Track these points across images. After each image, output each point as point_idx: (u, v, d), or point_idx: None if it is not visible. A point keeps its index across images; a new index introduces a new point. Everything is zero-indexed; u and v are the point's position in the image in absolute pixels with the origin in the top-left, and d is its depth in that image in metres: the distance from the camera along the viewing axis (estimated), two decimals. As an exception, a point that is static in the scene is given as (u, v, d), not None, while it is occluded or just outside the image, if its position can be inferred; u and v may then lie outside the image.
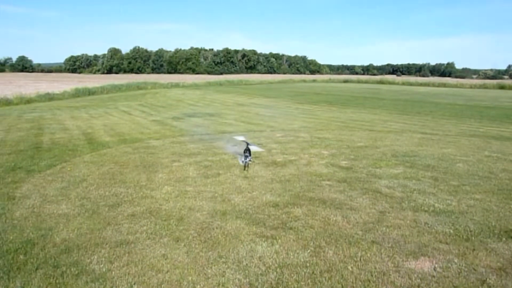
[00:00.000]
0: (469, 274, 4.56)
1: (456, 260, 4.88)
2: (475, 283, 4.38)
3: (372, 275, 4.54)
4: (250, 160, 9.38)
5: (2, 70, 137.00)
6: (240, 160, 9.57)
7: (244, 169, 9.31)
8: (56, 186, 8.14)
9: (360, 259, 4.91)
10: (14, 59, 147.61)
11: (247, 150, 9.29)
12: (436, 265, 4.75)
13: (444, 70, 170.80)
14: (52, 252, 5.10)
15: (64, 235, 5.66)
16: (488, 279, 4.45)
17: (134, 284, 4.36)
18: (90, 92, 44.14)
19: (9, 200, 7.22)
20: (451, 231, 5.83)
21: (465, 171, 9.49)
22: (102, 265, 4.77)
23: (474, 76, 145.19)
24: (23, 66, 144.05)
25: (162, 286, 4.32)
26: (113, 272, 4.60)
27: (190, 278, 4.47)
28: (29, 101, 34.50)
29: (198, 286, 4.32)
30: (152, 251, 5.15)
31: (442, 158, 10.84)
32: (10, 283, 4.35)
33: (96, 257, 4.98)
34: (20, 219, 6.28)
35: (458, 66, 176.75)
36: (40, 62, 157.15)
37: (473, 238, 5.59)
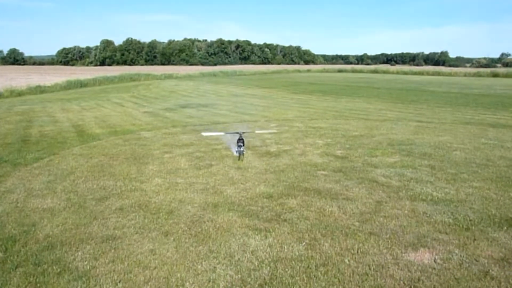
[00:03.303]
0: (471, 265, 4.37)
1: (456, 251, 4.69)
2: (478, 274, 4.18)
3: (370, 268, 4.33)
4: (243, 151, 9.15)
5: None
6: (234, 150, 9.33)
7: (239, 159, 9.08)
8: (43, 179, 7.85)
9: (358, 252, 4.70)
10: (5, 52, 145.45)
11: (241, 140, 9.05)
12: (437, 257, 4.56)
13: (438, 59, 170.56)
14: (34, 249, 4.84)
15: (48, 230, 5.40)
16: (490, 270, 4.26)
17: (119, 282, 4.12)
18: (82, 84, 43.52)
19: (-8, 195, 6.92)
20: (451, 220, 5.64)
21: (462, 159, 9.31)
22: (86, 262, 4.53)
23: (468, 65, 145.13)
24: (14, 58, 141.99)
25: (149, 284, 4.09)
26: (98, 270, 4.36)
27: (178, 275, 4.24)
28: (19, 94, 33.91)
29: (187, 284, 4.09)
30: (139, 246, 4.91)
31: (438, 146, 10.65)
32: (-13, 283, 4.10)
33: (80, 253, 4.73)
34: (2, 214, 6.00)
35: (452, 55, 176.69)
36: (32, 54, 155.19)
37: (473, 227, 5.40)
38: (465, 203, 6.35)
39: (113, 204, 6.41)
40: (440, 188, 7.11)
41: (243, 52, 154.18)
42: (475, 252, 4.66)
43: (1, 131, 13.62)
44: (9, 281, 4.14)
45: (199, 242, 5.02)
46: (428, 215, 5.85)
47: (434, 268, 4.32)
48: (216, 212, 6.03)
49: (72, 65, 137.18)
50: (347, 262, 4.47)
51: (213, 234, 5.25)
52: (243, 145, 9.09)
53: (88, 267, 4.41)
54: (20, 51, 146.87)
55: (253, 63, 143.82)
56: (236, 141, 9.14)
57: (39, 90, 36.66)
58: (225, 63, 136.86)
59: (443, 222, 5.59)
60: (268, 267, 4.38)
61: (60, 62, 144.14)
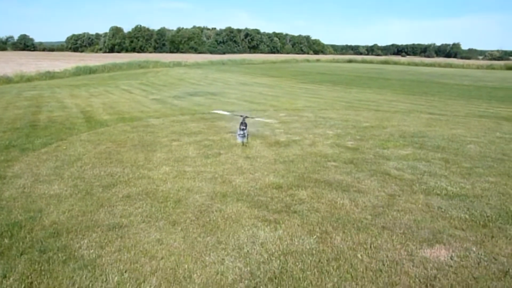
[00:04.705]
0: (490, 264, 4.20)
1: (474, 249, 4.51)
2: (497, 274, 4.01)
3: (384, 264, 4.18)
4: (247, 134, 9.07)
5: (4, 49, 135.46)
6: (237, 135, 9.19)
7: (243, 145, 8.95)
8: (50, 165, 7.77)
9: (370, 246, 4.55)
10: (15, 38, 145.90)
11: (244, 123, 8.93)
12: (453, 254, 4.39)
13: (450, 51, 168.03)
14: (40, 236, 4.76)
15: (54, 217, 5.31)
16: (511, 270, 4.08)
17: (125, 272, 4.02)
18: (91, 70, 43.49)
19: (-1, 179, 6.87)
20: (467, 216, 5.45)
21: (477, 152, 9.07)
22: (92, 250, 4.43)
23: (480, 57, 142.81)
24: (25, 44, 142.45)
25: (156, 274, 3.97)
26: (104, 259, 4.26)
27: (186, 266, 4.13)
28: (29, 79, 33.99)
29: (195, 275, 3.97)
30: (146, 235, 4.80)
31: (452, 139, 10.40)
32: (-9, 270, 4.02)
33: (86, 241, 4.64)
34: (9, 199, 5.93)
35: (464, 47, 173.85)
36: (42, 40, 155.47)
37: (490, 224, 5.21)
38: (481, 198, 6.15)
39: (120, 192, 6.31)
40: (454, 182, 6.91)
41: (252, 41, 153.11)
42: (494, 250, 4.48)
43: (10, 116, 13.60)
44: (13, 268, 4.05)
45: (207, 232, 4.90)
46: (443, 210, 5.66)
47: (451, 266, 4.15)
48: (225, 202, 5.90)
49: (82, 51, 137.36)
50: (360, 257, 4.32)
51: (222, 224, 5.12)
52: (246, 129, 8.99)
53: (94, 256, 4.31)
54: (31, 37, 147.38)
55: (262, 52, 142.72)
56: (239, 125, 9.07)
57: (49, 76, 36.70)
58: (233, 52, 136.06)
59: (459, 217, 5.40)
60: (278, 260, 4.25)
61: (70, 48, 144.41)
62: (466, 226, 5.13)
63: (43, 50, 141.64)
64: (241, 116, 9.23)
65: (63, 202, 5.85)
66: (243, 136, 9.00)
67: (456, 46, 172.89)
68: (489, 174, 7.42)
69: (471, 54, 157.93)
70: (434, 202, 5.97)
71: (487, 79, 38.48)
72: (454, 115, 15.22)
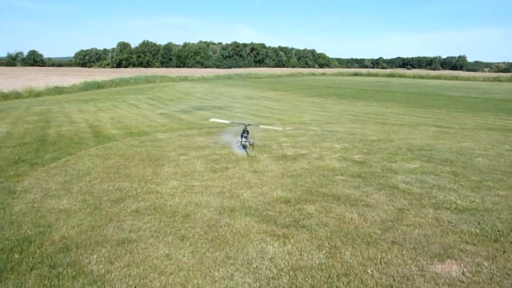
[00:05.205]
0: (502, 279, 4.14)
1: (486, 264, 4.46)
2: (510, 290, 3.96)
3: (394, 280, 4.14)
4: (250, 141, 9.17)
5: (13, 64, 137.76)
6: (237, 143, 9.30)
7: (248, 156, 8.99)
8: (59, 180, 7.84)
9: (381, 262, 4.51)
10: (25, 54, 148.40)
11: (246, 131, 9.03)
12: (465, 269, 4.33)
13: (456, 63, 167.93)
14: (49, 251, 4.78)
15: (63, 232, 5.34)
16: (524, 286, 4.02)
17: (135, 287, 4.01)
18: (99, 85, 44.02)
19: (9, 194, 6.93)
20: (477, 230, 5.39)
21: (485, 165, 9.00)
22: (101, 265, 4.44)
23: (486, 69, 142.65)
24: (34, 60, 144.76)
25: (165, 290, 3.96)
26: (113, 274, 4.26)
27: (195, 281, 4.11)
28: (38, 94, 34.47)
29: (204, 291, 3.95)
30: (155, 250, 4.80)
31: (460, 152, 10.34)
32: (2, 285, 4.03)
33: (95, 256, 4.65)
34: (19, 214, 5.97)
35: (470, 59, 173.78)
36: (51, 56, 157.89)
37: (502, 238, 5.15)
38: (491, 212, 6.09)
39: (128, 206, 6.33)
40: (464, 196, 6.85)
41: (257, 55, 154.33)
42: (506, 265, 4.42)
43: (20, 131, 13.76)
44: (24, 283, 4.07)
45: (216, 247, 4.89)
46: (453, 224, 5.61)
47: (463, 282, 4.10)
48: (233, 216, 5.89)
49: (90, 66, 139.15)
50: (370, 273, 4.28)
51: (230, 239, 5.11)
52: (248, 137, 9.13)
53: (103, 271, 4.32)
54: (40, 52, 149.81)
55: (268, 66, 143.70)
56: (241, 133, 9.23)
57: (57, 91, 37.20)
58: (239, 66, 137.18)
59: (469, 232, 5.35)
60: (288, 276, 4.22)
61: (78, 63, 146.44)
62: (477, 241, 5.07)
63: (52, 65, 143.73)
64: (243, 124, 9.32)
65: (72, 217, 5.88)
66: (244, 145, 9.07)
67: (462, 58, 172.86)
68: (499, 187, 7.36)
69: (477, 66, 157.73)
70: (444, 216, 5.92)
71: (494, 91, 38.35)
72: (462, 127, 15.15)
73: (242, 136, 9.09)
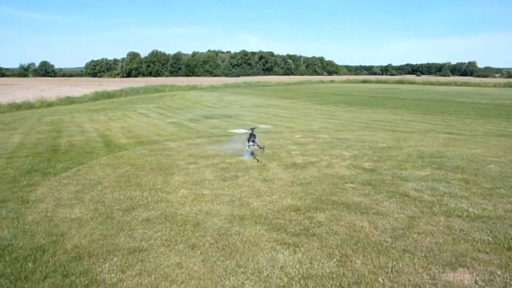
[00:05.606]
0: (516, 288, 4.09)
1: (499, 272, 4.41)
2: (524, 299, 3.91)
3: (406, 289, 4.11)
4: (260, 146, 9.23)
5: (25, 75, 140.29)
6: (245, 147, 9.36)
7: (258, 162, 9.03)
8: (71, 189, 7.94)
9: (392, 270, 4.48)
10: (36, 64, 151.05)
11: (252, 135, 9.08)
12: (478, 278, 4.29)
13: (466, 69, 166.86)
14: (62, 260, 4.84)
15: (76, 241, 5.40)
16: (538, 295, 3.97)
17: (147, 296, 4.04)
18: (109, 95, 44.59)
19: (23, 204, 7.04)
20: (490, 238, 5.34)
21: (497, 173, 8.91)
22: (113, 274, 4.48)
23: (497, 75, 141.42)
24: (46, 71, 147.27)
25: (176, 298, 3.99)
26: (125, 283, 4.30)
27: (206, 290, 4.13)
28: (50, 104, 35.04)
29: (215, 300, 3.97)
30: (166, 259, 4.84)
31: (471, 159, 10.25)
32: (16, 294, 4.10)
33: (107, 265, 4.70)
34: (32, 224, 6.06)
35: (480, 65, 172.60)
36: (62, 67, 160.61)
37: (515, 246, 5.08)
38: (504, 220, 6.02)
39: (139, 215, 6.39)
40: (476, 203, 6.79)
41: (266, 63, 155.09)
42: (520, 274, 4.37)
43: (32, 141, 13.98)
44: (37, 292, 4.12)
45: (227, 256, 4.91)
46: (465, 232, 5.56)
47: (476, 290, 4.06)
48: (243, 225, 5.91)
49: (100, 76, 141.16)
50: (381, 281, 4.26)
51: (241, 248, 5.13)
52: (255, 140, 9.22)
53: (115, 280, 4.36)
54: (51, 63, 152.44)
55: (276, 74, 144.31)
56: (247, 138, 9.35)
57: (68, 101, 37.77)
58: (248, 74, 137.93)
59: (482, 240, 5.29)
60: (298, 285, 4.22)
61: (89, 74, 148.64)
62: (489, 249, 5.02)
63: (63, 76, 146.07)
64: (251, 129, 9.38)
65: (84, 226, 5.95)
66: (251, 151, 9.13)
67: (472, 64, 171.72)
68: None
69: (488, 72, 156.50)
70: (456, 224, 5.87)
71: (505, 97, 37.98)
72: (473, 134, 15.03)
73: (249, 140, 9.13)
